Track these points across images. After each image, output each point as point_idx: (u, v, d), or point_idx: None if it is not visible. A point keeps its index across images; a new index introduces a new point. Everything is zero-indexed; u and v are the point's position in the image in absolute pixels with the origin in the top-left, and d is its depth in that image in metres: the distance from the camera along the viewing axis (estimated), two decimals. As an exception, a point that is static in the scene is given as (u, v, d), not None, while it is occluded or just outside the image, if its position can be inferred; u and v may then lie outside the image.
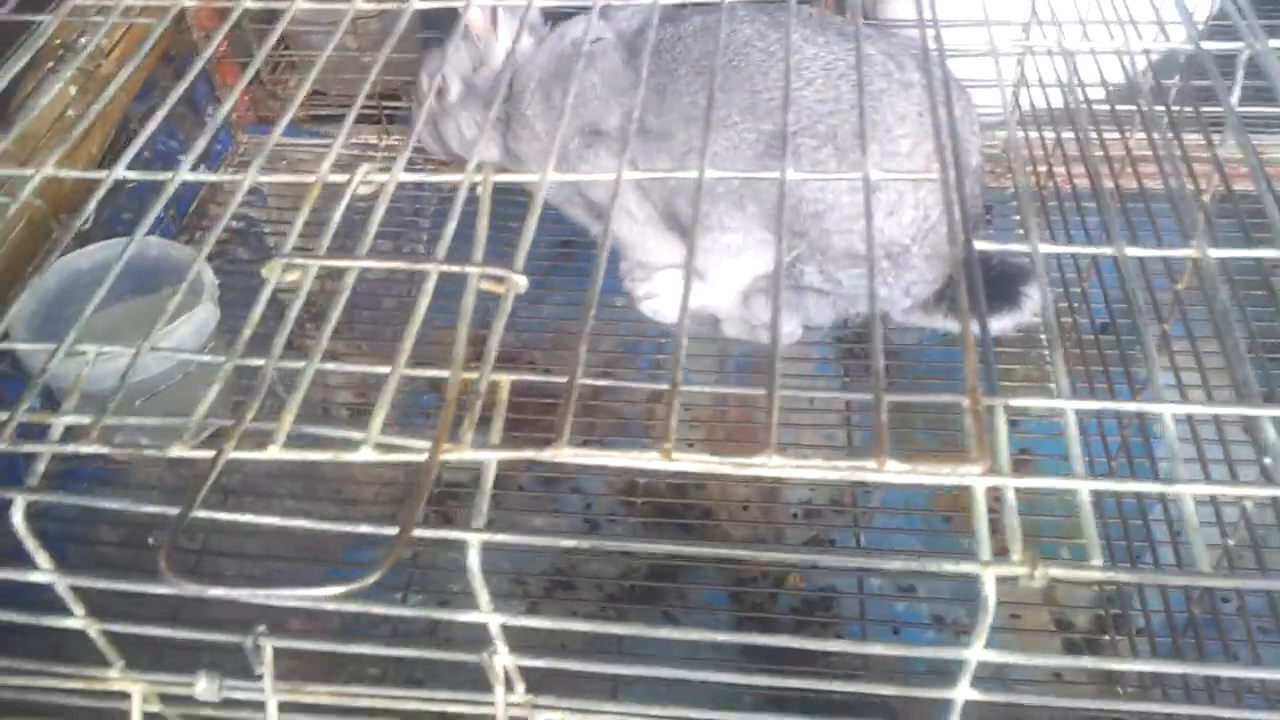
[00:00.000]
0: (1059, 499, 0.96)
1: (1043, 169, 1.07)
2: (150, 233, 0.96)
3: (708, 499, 1.04)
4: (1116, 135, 0.83)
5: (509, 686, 0.48)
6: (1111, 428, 0.90)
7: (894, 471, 0.39)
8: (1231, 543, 0.64)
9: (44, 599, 0.49)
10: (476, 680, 0.49)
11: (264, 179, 0.54)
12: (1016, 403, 0.43)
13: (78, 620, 0.49)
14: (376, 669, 0.87)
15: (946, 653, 0.42)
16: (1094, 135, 0.84)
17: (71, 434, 0.45)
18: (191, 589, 0.37)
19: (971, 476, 0.40)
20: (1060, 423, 1.02)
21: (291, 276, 0.48)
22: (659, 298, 1.16)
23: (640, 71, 1.04)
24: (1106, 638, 0.86)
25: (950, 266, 0.47)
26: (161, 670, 0.53)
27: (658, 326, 1.17)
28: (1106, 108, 0.87)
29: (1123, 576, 0.37)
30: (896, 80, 0.95)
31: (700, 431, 1.09)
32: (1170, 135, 0.70)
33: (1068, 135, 0.97)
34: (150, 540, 0.97)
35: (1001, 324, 1.00)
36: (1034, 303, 0.99)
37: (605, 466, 1.16)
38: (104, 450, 0.43)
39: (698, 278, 1.05)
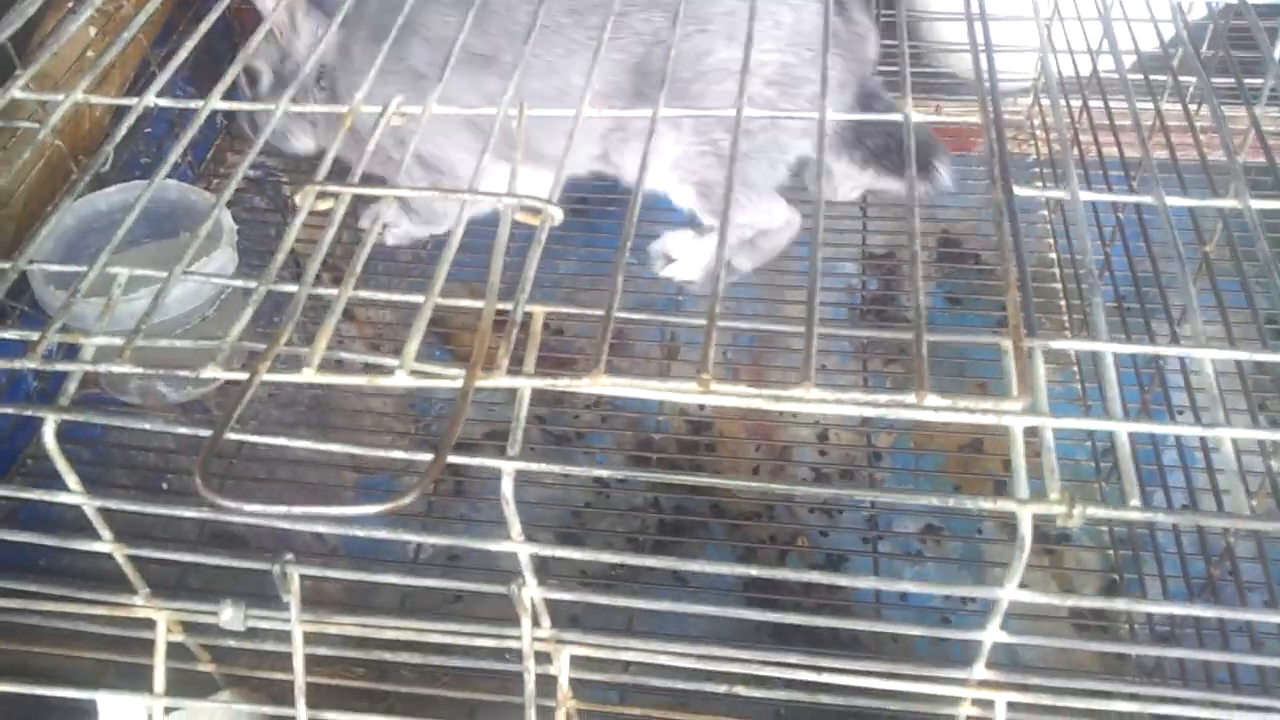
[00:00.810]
0: (1072, 464, 0.96)
1: (1069, 135, 1.07)
2: (168, 178, 0.95)
3: (718, 460, 1.04)
4: (1148, 104, 0.82)
5: (535, 621, 0.48)
6: (1132, 395, 0.89)
7: (934, 407, 0.39)
8: (1254, 503, 0.64)
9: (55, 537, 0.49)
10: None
11: (296, 109, 0.54)
12: (1057, 344, 0.43)
13: (105, 544, 0.49)
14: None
15: (979, 592, 0.42)
16: (1125, 104, 0.83)
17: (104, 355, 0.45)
18: (228, 506, 0.37)
19: (1011, 415, 0.40)
20: (1076, 388, 1.01)
21: (324, 205, 0.48)
22: (676, 262, 1.16)
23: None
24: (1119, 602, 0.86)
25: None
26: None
27: (671, 283, 1.16)
28: (1138, 76, 0.86)
29: (1161, 517, 0.37)
30: None
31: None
32: (1199, 105, 0.70)
33: (1095, 104, 0.96)
34: (164, 485, 0.98)
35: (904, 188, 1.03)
36: (943, 177, 1.03)
37: (618, 422, 1.14)
38: (136, 370, 0.43)
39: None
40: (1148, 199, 0.50)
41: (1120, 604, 0.43)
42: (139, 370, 0.43)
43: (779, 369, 1.10)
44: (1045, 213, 1.12)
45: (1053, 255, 1.10)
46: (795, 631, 0.77)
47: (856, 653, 0.81)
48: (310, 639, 0.51)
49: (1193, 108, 0.72)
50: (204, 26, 0.59)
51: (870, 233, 1.18)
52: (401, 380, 0.41)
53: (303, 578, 0.50)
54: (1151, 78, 0.86)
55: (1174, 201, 0.50)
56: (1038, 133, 1.17)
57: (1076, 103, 1.03)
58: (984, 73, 0.54)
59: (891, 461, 1.03)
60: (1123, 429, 0.41)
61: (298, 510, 0.38)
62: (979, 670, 0.47)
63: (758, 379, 1.10)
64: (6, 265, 0.48)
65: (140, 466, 0.98)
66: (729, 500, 1.00)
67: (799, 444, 1.05)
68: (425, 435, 1.06)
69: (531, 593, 0.46)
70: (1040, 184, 1.13)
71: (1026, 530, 0.40)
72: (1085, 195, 0.50)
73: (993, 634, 0.44)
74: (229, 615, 0.50)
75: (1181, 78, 0.81)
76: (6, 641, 0.69)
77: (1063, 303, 1.05)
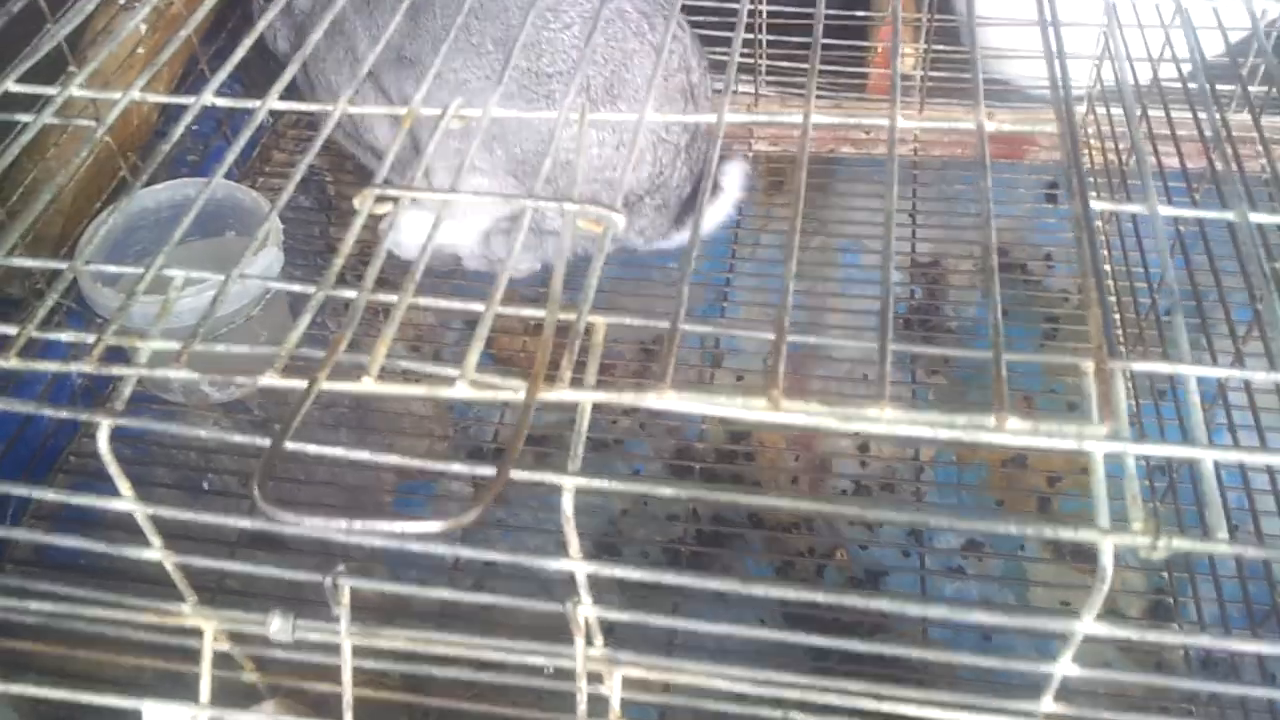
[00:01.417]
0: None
1: (1124, 146, 1.04)
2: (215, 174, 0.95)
3: (757, 469, 1.03)
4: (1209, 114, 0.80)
5: (589, 640, 0.47)
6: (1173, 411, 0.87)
7: (1015, 431, 0.38)
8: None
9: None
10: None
11: (354, 110, 0.53)
12: (1139, 367, 0.41)
13: (155, 551, 0.48)
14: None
15: (1055, 625, 0.40)
16: (1185, 113, 0.81)
17: (159, 359, 0.45)
18: (287, 518, 0.36)
19: (1093, 440, 0.38)
20: (1130, 404, 0.99)
21: (383, 209, 0.47)
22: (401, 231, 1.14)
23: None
24: (1173, 626, 0.84)
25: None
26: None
27: (715, 289, 1.15)
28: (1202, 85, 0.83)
29: (1252, 551, 0.36)
30: (649, 41, 0.97)
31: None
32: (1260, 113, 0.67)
33: (1155, 112, 0.94)
34: (205, 485, 0.98)
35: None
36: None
37: (656, 429, 1.13)
38: (192, 376, 0.42)
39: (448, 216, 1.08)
40: (1229, 214, 0.48)
41: (1204, 640, 0.42)
42: (195, 376, 0.42)
43: (820, 379, 1.08)
44: (1099, 223, 1.10)
45: (1107, 267, 1.08)
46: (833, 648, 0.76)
47: (897, 671, 0.79)
48: (357, 652, 0.50)
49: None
50: (261, 25, 0.58)
51: (919, 240, 1.16)
52: (462, 392, 0.40)
53: (351, 589, 0.49)
54: (1218, 86, 0.83)
55: (1258, 218, 0.48)
56: (1092, 142, 1.15)
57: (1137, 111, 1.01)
58: (1059, 81, 0.53)
59: (933, 475, 1.01)
60: (1208, 456, 0.40)
61: (358, 525, 0.37)
62: (1047, 703, 0.45)
63: (798, 388, 1.08)
64: (63, 266, 0.48)
65: (181, 465, 0.98)
66: (767, 511, 0.99)
67: (839, 455, 1.03)
68: (464, 439, 1.05)
69: (587, 611, 0.45)
70: (1095, 194, 1.10)
71: (1108, 561, 0.38)
72: (1166, 210, 0.48)
73: (1064, 667, 0.43)
74: (278, 626, 0.49)
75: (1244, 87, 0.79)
76: (43, 643, 0.69)
77: (1118, 316, 1.02)
